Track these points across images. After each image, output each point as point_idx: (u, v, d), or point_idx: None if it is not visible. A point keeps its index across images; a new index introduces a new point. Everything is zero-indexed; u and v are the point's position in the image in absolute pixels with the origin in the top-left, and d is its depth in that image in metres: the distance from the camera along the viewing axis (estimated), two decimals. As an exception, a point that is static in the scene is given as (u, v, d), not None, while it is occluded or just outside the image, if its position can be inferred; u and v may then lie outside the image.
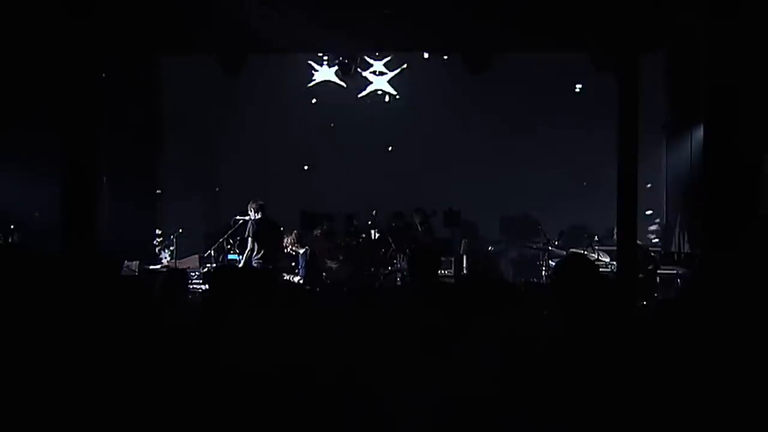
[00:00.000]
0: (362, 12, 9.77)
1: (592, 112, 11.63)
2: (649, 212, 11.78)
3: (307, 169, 12.65)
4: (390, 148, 12.39)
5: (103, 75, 9.56)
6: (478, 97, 11.97)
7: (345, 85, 12.51)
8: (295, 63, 12.36)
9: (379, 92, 12.68)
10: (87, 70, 8.26)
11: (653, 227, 11.97)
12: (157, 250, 12.23)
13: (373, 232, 11.28)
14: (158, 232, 12.49)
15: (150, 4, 9.43)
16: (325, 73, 12.57)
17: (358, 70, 12.18)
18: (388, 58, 12.52)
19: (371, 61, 12.52)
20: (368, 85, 12.65)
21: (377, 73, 12.57)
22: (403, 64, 12.54)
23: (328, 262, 11.01)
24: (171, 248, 11.76)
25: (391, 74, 12.61)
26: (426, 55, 12.16)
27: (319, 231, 11.24)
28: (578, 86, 12.27)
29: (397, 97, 12.62)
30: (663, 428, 2.77)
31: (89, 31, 8.15)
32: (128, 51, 10.84)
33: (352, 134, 12.49)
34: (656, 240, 11.76)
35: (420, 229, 11.03)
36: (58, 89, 8.32)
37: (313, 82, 12.68)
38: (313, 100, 12.64)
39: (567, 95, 12.21)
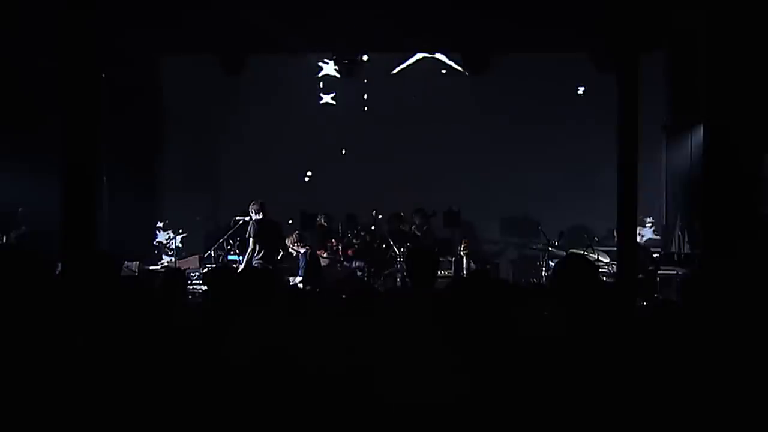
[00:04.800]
0: (362, 12, 9.76)
1: (592, 112, 11.64)
2: (649, 221, 11.77)
3: (309, 176, 12.64)
4: (390, 149, 12.36)
5: (103, 75, 9.56)
6: (478, 97, 11.97)
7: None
8: (296, 63, 12.35)
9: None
10: (87, 70, 8.26)
11: (648, 229, 11.96)
12: (158, 250, 12.25)
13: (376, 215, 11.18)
14: (160, 227, 12.50)
15: (150, 4, 9.44)
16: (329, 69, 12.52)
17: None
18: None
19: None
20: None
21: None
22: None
23: (330, 262, 11.01)
24: (171, 249, 11.79)
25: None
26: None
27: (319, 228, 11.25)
28: (582, 88, 12.25)
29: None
30: (663, 429, 2.77)
31: (89, 30, 8.15)
32: (128, 51, 10.84)
33: (352, 134, 12.49)
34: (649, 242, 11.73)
35: (420, 230, 11.02)
36: (58, 89, 8.33)
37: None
38: (321, 99, 12.61)
39: (567, 95, 12.20)
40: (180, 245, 12.13)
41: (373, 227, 11.34)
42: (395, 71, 12.53)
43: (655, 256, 10.45)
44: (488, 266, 11.18)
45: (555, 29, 9.80)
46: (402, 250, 10.32)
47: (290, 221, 11.25)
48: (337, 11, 9.61)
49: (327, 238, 11.32)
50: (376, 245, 11.08)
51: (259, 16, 9.46)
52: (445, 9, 9.55)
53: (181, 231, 11.71)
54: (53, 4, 8.25)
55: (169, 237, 12.19)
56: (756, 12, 7.91)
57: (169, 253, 11.79)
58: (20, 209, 10.03)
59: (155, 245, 12.38)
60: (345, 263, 11.01)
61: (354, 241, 11.24)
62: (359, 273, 10.82)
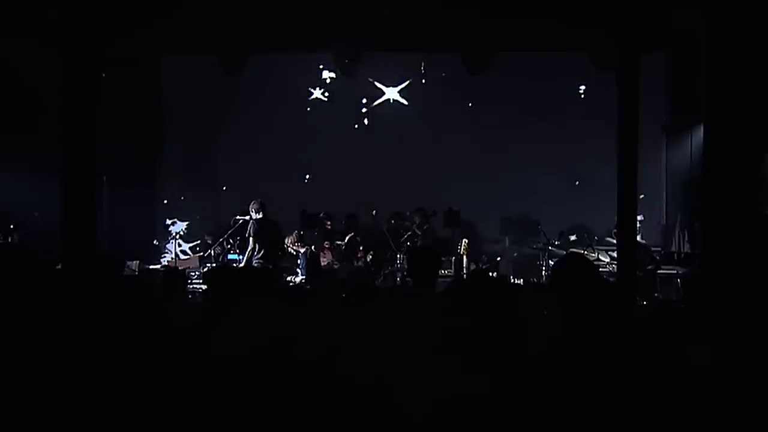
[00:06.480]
0: (362, 12, 9.76)
1: (592, 111, 11.64)
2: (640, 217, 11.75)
3: (309, 178, 12.66)
4: (390, 148, 12.36)
5: (103, 75, 9.57)
6: (478, 97, 11.97)
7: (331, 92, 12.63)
8: (296, 63, 12.36)
9: (391, 102, 12.73)
10: (87, 70, 8.26)
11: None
12: (165, 244, 12.30)
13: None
14: (168, 222, 12.55)
15: (150, 4, 9.44)
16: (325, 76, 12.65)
17: (370, 80, 12.26)
18: (403, 85, 12.58)
19: (383, 87, 12.62)
20: (380, 95, 12.69)
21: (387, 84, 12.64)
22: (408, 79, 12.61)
23: (329, 261, 11.02)
24: (168, 246, 11.83)
25: (402, 85, 12.65)
26: (423, 65, 12.19)
27: (318, 230, 11.29)
28: (582, 87, 12.26)
29: (406, 103, 12.64)
30: (663, 429, 2.77)
31: (89, 30, 8.15)
32: (128, 51, 10.84)
33: (353, 134, 12.49)
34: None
35: (421, 230, 11.02)
36: (58, 89, 8.33)
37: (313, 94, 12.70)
38: (314, 91, 12.65)
39: (567, 95, 12.21)
40: (185, 231, 12.23)
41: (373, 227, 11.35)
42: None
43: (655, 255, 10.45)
44: (489, 265, 11.21)
45: (555, 29, 9.80)
46: (402, 249, 10.33)
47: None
48: (337, 11, 9.61)
49: (329, 238, 11.33)
50: (376, 244, 11.09)
51: (259, 16, 9.45)
52: (445, 9, 9.55)
53: (187, 222, 11.95)
54: (54, 4, 8.26)
55: (187, 227, 12.29)
56: (756, 12, 7.91)
57: (170, 254, 11.81)
58: (36, 214, 10.07)
59: (165, 236, 12.43)
60: (345, 263, 11.02)
61: (357, 239, 11.26)
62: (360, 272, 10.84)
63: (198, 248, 12.11)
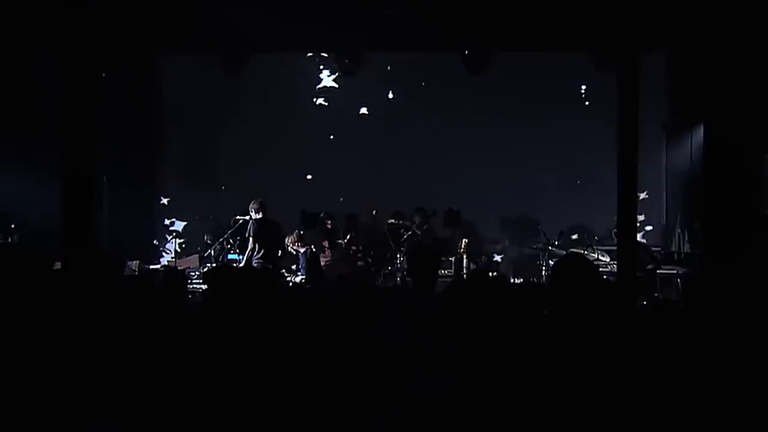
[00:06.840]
0: (362, 12, 9.76)
1: (592, 111, 11.63)
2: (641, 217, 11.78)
3: (310, 177, 12.66)
4: (390, 149, 12.36)
5: (103, 75, 9.57)
6: (478, 97, 11.96)
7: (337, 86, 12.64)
8: (296, 63, 12.36)
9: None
10: (87, 70, 8.27)
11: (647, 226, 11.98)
12: (165, 244, 12.32)
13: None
14: (168, 222, 12.58)
15: (150, 4, 9.43)
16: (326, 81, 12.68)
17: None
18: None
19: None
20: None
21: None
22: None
23: (329, 261, 11.02)
24: (168, 247, 11.83)
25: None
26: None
27: (321, 230, 11.30)
28: (583, 87, 12.26)
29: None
30: (662, 429, 2.77)
31: (89, 30, 8.16)
32: (128, 51, 10.83)
33: (353, 134, 12.49)
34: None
35: (421, 229, 11.02)
36: (58, 89, 8.33)
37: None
38: (316, 100, 12.67)
39: (567, 95, 12.20)
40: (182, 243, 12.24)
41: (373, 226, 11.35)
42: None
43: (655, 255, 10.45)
44: (488, 264, 11.23)
45: (555, 29, 9.79)
46: (402, 249, 10.33)
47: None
48: (337, 11, 9.61)
49: (329, 237, 11.33)
50: (376, 244, 11.09)
51: (259, 15, 9.45)
52: (445, 9, 9.55)
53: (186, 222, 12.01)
54: (54, 4, 8.26)
55: (186, 227, 12.34)
56: (756, 12, 7.91)
57: (170, 254, 11.82)
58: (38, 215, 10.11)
59: (159, 242, 12.44)
60: (345, 262, 11.02)
61: (357, 239, 11.26)
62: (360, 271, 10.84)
63: (198, 248, 12.12)
